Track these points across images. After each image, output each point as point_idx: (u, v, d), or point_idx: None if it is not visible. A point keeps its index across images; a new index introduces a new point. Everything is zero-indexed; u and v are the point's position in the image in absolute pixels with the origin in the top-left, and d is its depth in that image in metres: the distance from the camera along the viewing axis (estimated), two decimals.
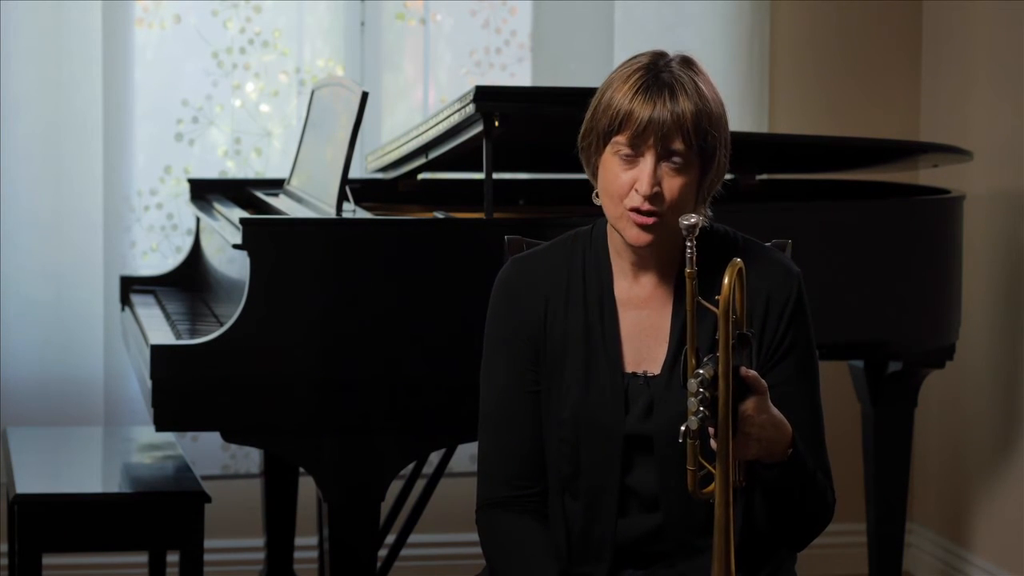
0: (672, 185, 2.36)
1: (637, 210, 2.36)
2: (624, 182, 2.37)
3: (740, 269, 2.24)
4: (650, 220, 2.36)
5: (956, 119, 4.58)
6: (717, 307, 2.22)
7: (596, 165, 2.42)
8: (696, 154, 2.36)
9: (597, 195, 2.44)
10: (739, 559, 2.40)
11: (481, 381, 2.52)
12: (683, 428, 2.21)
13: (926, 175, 4.63)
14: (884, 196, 4.14)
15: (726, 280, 2.21)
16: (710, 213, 2.46)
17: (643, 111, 2.33)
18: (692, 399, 2.19)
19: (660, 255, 2.43)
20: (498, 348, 2.50)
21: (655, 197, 2.35)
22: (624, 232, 2.39)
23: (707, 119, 2.35)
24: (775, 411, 2.29)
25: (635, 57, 2.42)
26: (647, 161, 2.35)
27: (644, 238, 2.38)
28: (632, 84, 2.36)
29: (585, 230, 2.53)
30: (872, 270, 3.63)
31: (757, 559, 2.44)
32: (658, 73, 2.36)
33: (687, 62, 2.40)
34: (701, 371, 2.19)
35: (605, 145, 2.39)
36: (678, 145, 2.34)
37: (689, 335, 2.25)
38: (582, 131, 2.43)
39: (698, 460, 2.24)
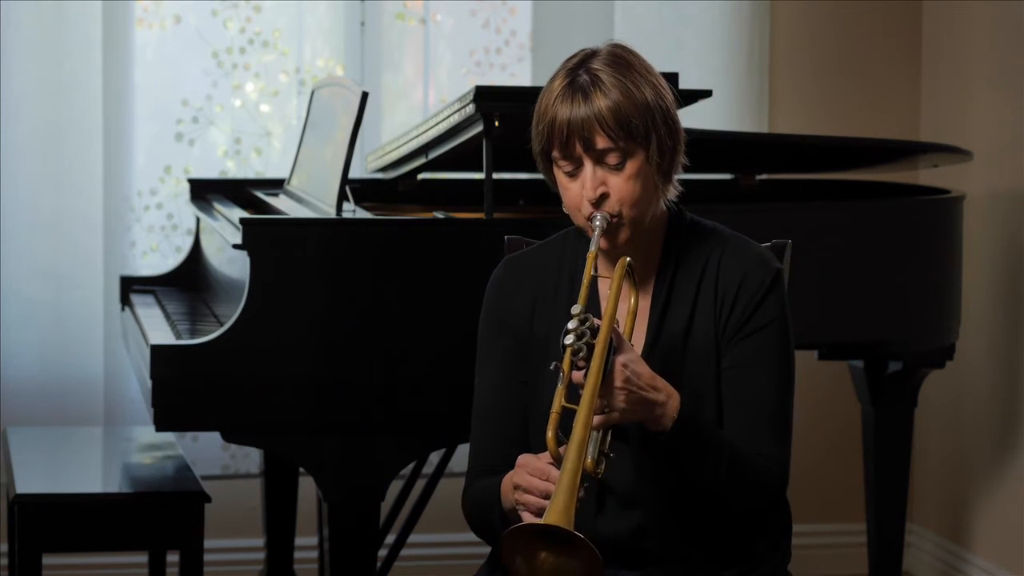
0: (617, 184, 2.39)
1: (593, 217, 2.39)
2: (574, 193, 2.42)
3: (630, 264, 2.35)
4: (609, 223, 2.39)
5: (956, 119, 4.58)
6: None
7: (553, 181, 2.48)
8: (629, 145, 2.38)
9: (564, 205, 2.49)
10: (724, 556, 2.44)
11: (475, 375, 2.55)
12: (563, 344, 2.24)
13: (926, 175, 4.63)
14: (884, 196, 4.14)
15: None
16: (680, 188, 2.48)
17: (561, 119, 2.38)
18: (572, 329, 2.23)
19: (638, 246, 2.45)
20: (489, 342, 2.54)
21: (603, 199, 2.39)
22: (592, 239, 2.41)
23: (627, 109, 2.36)
24: (652, 372, 2.30)
25: (567, 60, 2.44)
26: (586, 168, 2.39)
27: (609, 242, 2.41)
28: (551, 94, 2.40)
29: (575, 229, 2.55)
30: (872, 270, 3.63)
31: (736, 552, 2.45)
32: (575, 78, 2.39)
33: (611, 56, 2.41)
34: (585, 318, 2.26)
35: (550, 163, 2.44)
36: (603, 143, 2.37)
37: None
38: (534, 155, 2.47)
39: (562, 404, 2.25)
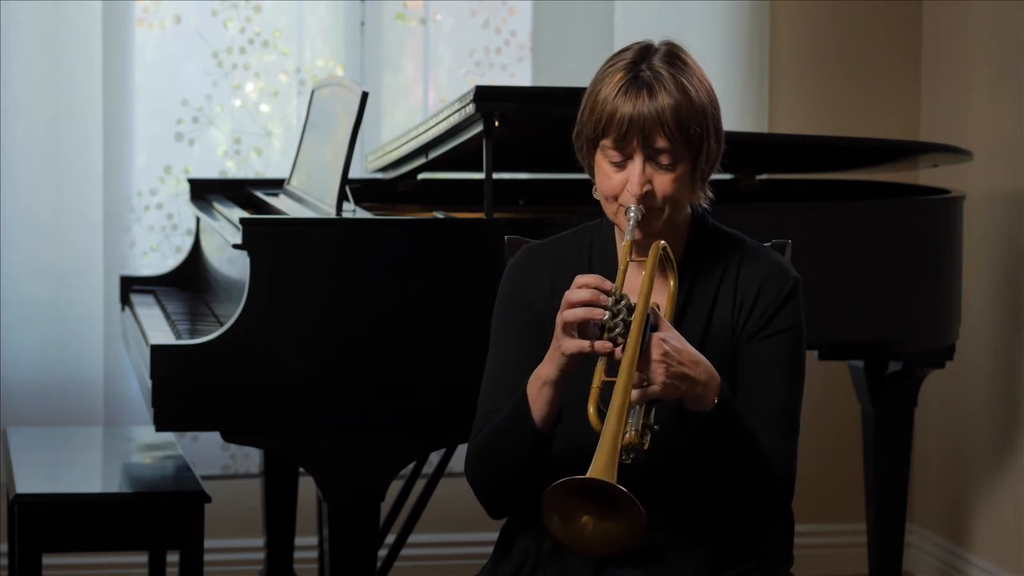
0: (663, 182, 2.40)
1: (629, 208, 2.40)
2: (616, 183, 2.41)
3: (665, 247, 2.39)
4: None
5: (956, 119, 4.58)
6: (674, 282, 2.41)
7: (591, 165, 2.47)
8: (682, 148, 2.39)
9: (595, 189, 2.47)
10: (727, 556, 2.44)
11: (489, 350, 2.54)
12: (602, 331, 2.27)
13: (926, 175, 4.63)
14: (884, 196, 4.14)
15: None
16: (711, 195, 2.49)
17: (623, 112, 2.38)
18: (607, 307, 2.26)
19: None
20: (506, 318, 2.53)
21: (647, 196, 2.40)
22: (622, 228, 2.43)
23: (688, 112, 2.38)
24: (694, 350, 2.31)
25: (623, 51, 2.45)
26: (635, 163, 2.39)
27: (641, 233, 2.40)
28: (614, 85, 2.40)
29: (594, 224, 2.56)
30: (872, 270, 3.63)
31: (739, 553, 2.46)
32: (638, 73, 2.39)
33: (670, 55, 2.42)
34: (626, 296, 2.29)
35: (595, 148, 2.43)
36: (661, 143, 2.38)
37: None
38: (574, 133, 2.48)
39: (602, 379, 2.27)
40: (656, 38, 2.48)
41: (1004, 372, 4.37)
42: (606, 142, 2.41)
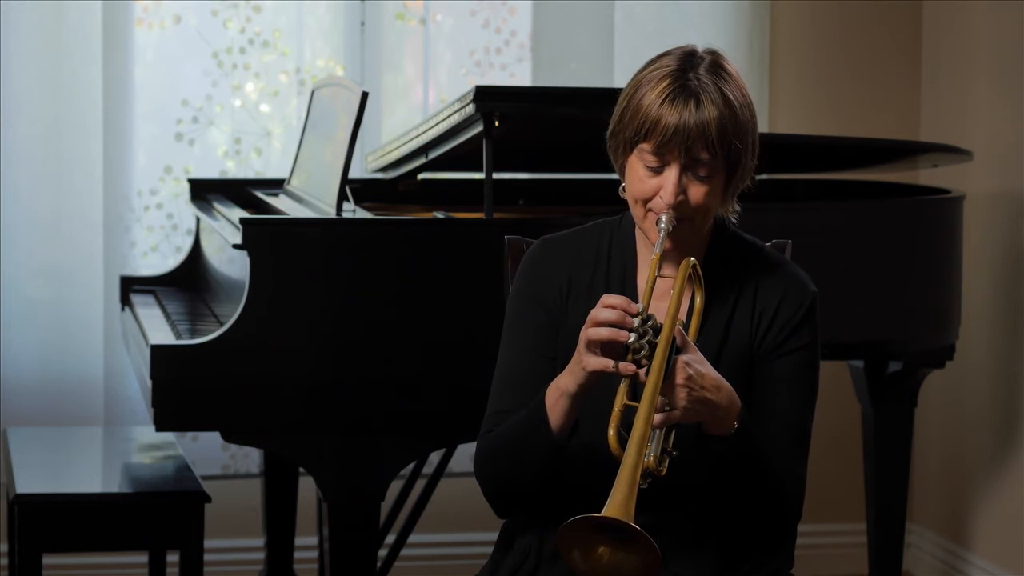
0: (697, 193, 2.39)
1: (660, 220, 2.39)
2: (649, 187, 2.40)
3: (694, 264, 2.38)
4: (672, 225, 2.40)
5: (956, 119, 4.58)
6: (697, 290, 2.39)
7: (623, 165, 2.45)
8: (721, 162, 2.39)
9: (623, 189, 2.46)
10: (729, 557, 2.44)
11: (501, 344, 2.53)
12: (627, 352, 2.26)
13: (926, 175, 4.63)
14: (884, 196, 4.14)
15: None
16: (738, 208, 2.49)
17: (669, 121, 2.35)
18: (634, 328, 2.25)
19: (685, 249, 2.45)
20: (519, 316, 2.52)
21: (679, 205, 2.39)
22: (649, 233, 2.43)
23: (732, 128, 2.37)
24: (717, 374, 2.31)
25: (665, 56, 2.43)
26: (672, 171, 2.38)
27: (669, 242, 2.40)
28: (660, 92, 2.37)
29: (614, 220, 2.55)
30: (872, 270, 3.63)
31: (740, 553, 2.46)
32: (685, 81, 2.37)
33: (715, 65, 2.41)
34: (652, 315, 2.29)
35: (631, 149, 2.41)
36: (703, 155, 2.37)
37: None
38: (610, 129, 2.46)
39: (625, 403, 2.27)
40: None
41: (1004, 372, 4.37)
42: (645, 146, 2.38)
